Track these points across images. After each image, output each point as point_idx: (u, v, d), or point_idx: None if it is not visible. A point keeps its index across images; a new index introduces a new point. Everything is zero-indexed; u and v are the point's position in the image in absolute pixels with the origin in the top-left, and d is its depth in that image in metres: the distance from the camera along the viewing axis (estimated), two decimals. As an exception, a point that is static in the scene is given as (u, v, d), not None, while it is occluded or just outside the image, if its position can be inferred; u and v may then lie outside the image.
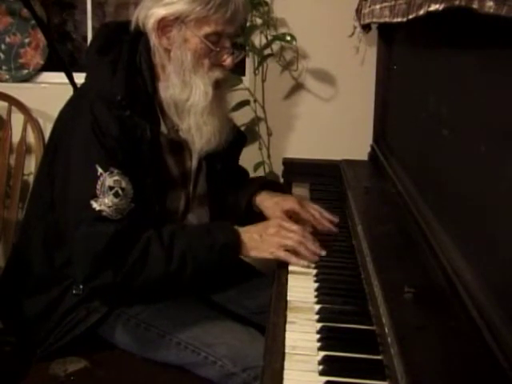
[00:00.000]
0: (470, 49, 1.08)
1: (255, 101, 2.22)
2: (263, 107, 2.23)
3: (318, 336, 1.06)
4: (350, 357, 1.00)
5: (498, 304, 0.89)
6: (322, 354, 1.00)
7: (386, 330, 0.95)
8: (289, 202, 1.58)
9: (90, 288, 1.38)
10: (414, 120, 1.54)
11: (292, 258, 1.35)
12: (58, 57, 2.03)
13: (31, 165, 2.29)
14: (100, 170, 1.31)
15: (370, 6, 1.76)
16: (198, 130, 1.46)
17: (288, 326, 1.09)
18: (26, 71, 2.36)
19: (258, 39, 2.19)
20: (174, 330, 1.40)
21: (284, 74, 2.26)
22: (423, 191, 1.39)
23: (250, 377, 1.30)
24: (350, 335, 1.07)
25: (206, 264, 1.36)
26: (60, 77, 2.12)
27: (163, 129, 1.47)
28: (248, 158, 1.93)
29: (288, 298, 1.20)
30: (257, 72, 2.19)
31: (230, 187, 1.66)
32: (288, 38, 2.12)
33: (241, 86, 2.17)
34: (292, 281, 1.29)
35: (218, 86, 1.45)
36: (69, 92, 1.64)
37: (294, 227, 1.39)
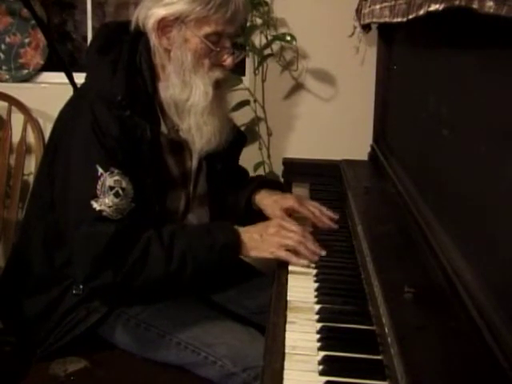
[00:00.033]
0: (469, 49, 1.08)
1: (255, 101, 2.22)
2: (263, 107, 2.23)
3: (317, 336, 1.06)
4: (350, 357, 1.00)
5: (498, 304, 0.89)
6: (322, 354, 1.00)
7: (386, 330, 0.95)
8: (288, 200, 1.59)
9: (90, 288, 1.39)
10: (414, 120, 1.54)
11: (292, 258, 1.35)
12: (58, 57, 2.03)
13: (31, 165, 2.29)
14: (100, 170, 1.31)
15: (369, 6, 1.76)
16: (198, 129, 1.46)
17: (288, 326, 1.09)
18: (26, 71, 2.36)
19: (258, 39, 2.19)
20: (174, 330, 1.40)
21: (284, 74, 2.26)
22: (423, 191, 1.39)
23: (250, 377, 1.30)
24: (350, 335, 1.07)
25: (206, 264, 1.36)
26: (60, 77, 2.12)
27: (163, 129, 1.47)
28: (248, 158, 1.93)
29: (288, 298, 1.20)
30: (257, 72, 2.19)
31: (230, 187, 1.66)
32: (288, 38, 2.12)
33: (241, 86, 2.17)
34: (292, 281, 1.28)
35: (218, 86, 1.45)
36: (69, 92, 1.64)
37: (294, 227, 1.39)
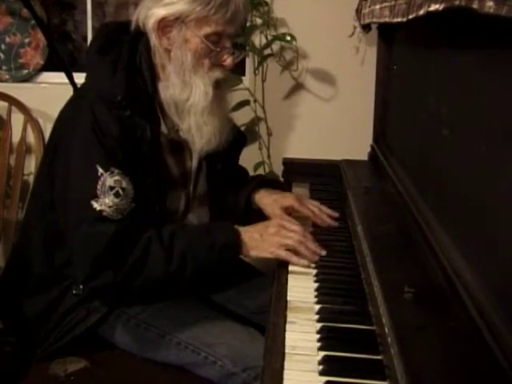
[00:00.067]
0: (470, 49, 1.08)
1: (255, 101, 2.22)
2: (263, 107, 2.23)
3: (318, 336, 1.06)
4: (350, 357, 1.00)
5: (498, 304, 0.89)
6: (322, 354, 1.00)
7: (386, 330, 0.95)
8: (288, 199, 1.59)
9: (90, 288, 1.39)
10: (414, 120, 1.54)
11: (292, 258, 1.35)
12: (58, 57, 2.03)
13: (31, 165, 2.29)
14: (100, 170, 1.31)
15: (370, 6, 1.76)
16: (198, 130, 1.46)
17: (288, 326, 1.09)
18: (26, 71, 2.36)
19: (258, 39, 2.19)
20: (174, 330, 1.40)
21: (284, 74, 2.26)
22: (423, 191, 1.39)
23: (250, 377, 1.30)
24: (350, 335, 1.07)
25: (206, 264, 1.36)
26: (60, 77, 2.12)
27: (163, 129, 1.47)
28: (248, 158, 1.93)
29: (288, 298, 1.20)
30: (257, 72, 2.19)
31: (230, 187, 1.66)
32: (288, 38, 2.12)
33: (241, 86, 2.17)
34: (292, 281, 1.28)
35: (218, 86, 1.45)
36: (69, 92, 1.64)
37: (295, 227, 1.39)
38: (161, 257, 1.32)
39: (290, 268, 1.34)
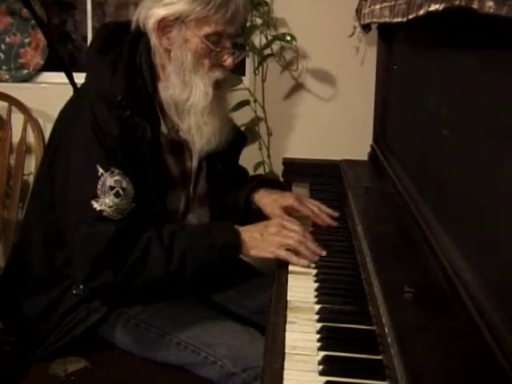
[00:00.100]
0: (470, 49, 1.08)
1: (255, 101, 2.22)
2: (263, 107, 2.23)
3: (318, 336, 1.06)
4: (350, 357, 1.00)
5: (498, 304, 0.89)
6: (322, 354, 1.00)
7: (386, 330, 0.95)
8: (287, 199, 1.59)
9: (90, 288, 1.39)
10: (414, 120, 1.54)
11: (292, 258, 1.35)
12: (58, 57, 2.03)
13: (31, 165, 2.29)
14: (101, 170, 1.31)
15: (370, 6, 1.76)
16: (198, 130, 1.46)
17: (288, 326, 1.09)
18: (26, 71, 2.36)
19: (258, 39, 2.19)
20: (174, 330, 1.40)
21: (284, 74, 2.26)
22: (423, 191, 1.39)
23: (250, 377, 1.30)
24: (350, 335, 1.07)
25: (206, 264, 1.36)
26: (60, 77, 2.12)
27: (163, 129, 1.47)
28: (248, 158, 1.93)
29: (288, 298, 1.20)
30: (257, 72, 2.19)
31: (230, 187, 1.66)
32: (288, 38, 2.12)
33: (241, 86, 2.17)
34: (292, 281, 1.28)
35: (218, 86, 1.45)
36: (69, 92, 1.64)
37: (295, 227, 1.39)
38: (161, 257, 1.32)
39: (290, 268, 1.34)
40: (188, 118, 1.45)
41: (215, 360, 1.34)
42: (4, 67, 2.35)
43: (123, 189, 1.32)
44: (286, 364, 0.97)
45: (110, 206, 1.30)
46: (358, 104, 2.20)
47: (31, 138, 2.24)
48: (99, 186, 1.30)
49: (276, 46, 2.19)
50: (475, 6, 0.80)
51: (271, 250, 1.36)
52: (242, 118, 2.15)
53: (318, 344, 1.03)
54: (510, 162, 0.87)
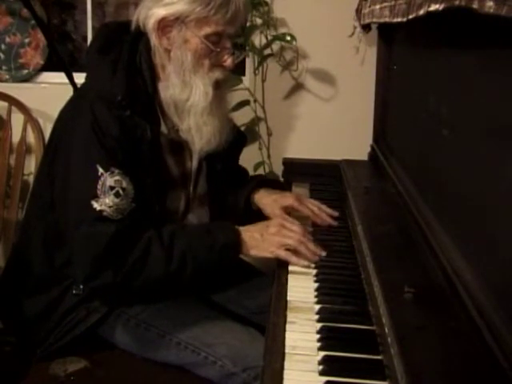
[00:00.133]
0: (470, 49, 1.08)
1: (255, 101, 2.22)
2: (263, 107, 2.23)
3: (318, 336, 1.06)
4: (350, 357, 1.00)
5: (498, 304, 0.89)
6: (322, 354, 1.00)
7: (386, 330, 0.95)
8: (287, 199, 1.59)
9: (90, 288, 1.39)
10: (414, 120, 1.54)
11: (292, 258, 1.35)
12: (58, 57, 2.03)
13: (31, 165, 2.29)
14: (101, 170, 1.31)
15: (370, 6, 1.76)
16: (198, 130, 1.46)
17: (288, 326, 1.09)
18: (26, 71, 2.36)
19: (258, 39, 2.19)
20: (174, 330, 1.40)
21: (284, 74, 2.26)
22: (423, 191, 1.39)
23: (250, 377, 1.30)
24: (350, 335, 1.07)
25: (206, 264, 1.36)
26: (60, 77, 2.12)
27: (163, 129, 1.47)
28: (248, 158, 1.93)
29: (288, 298, 1.20)
30: (257, 72, 2.19)
31: (230, 187, 1.66)
32: (288, 38, 2.12)
33: (241, 86, 2.17)
34: (292, 281, 1.28)
35: (218, 86, 1.45)
36: (69, 92, 1.64)
37: (295, 227, 1.39)
38: (161, 257, 1.32)
39: (290, 268, 1.34)
40: (188, 118, 1.45)
41: (215, 360, 1.34)
42: (4, 67, 2.35)
43: (123, 189, 1.32)
44: (286, 364, 0.97)
45: (110, 206, 1.30)
46: (358, 104, 2.20)
47: (31, 137, 2.24)
48: (99, 186, 1.30)
49: (276, 46, 2.19)
50: (475, 6, 0.80)
51: (271, 249, 1.36)
52: (242, 117, 2.15)
53: (318, 344, 1.03)
54: (510, 162, 0.87)
